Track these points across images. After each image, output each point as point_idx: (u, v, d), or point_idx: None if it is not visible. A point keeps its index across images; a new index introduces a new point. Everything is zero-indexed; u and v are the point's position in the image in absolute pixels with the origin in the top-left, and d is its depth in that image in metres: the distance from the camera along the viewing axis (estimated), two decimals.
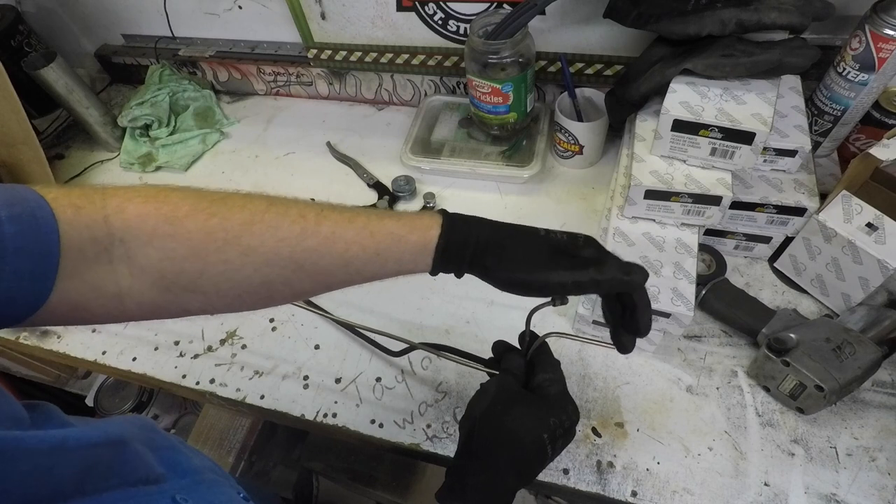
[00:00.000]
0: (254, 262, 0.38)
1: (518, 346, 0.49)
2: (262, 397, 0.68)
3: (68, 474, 0.28)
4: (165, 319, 0.42)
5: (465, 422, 0.44)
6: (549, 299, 0.46)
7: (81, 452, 0.30)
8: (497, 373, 0.48)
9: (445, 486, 0.42)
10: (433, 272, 0.42)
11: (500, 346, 0.50)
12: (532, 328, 0.49)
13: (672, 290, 0.59)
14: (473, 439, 0.42)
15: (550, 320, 0.70)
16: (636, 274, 0.40)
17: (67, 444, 0.29)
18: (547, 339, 0.48)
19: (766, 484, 0.56)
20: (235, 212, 0.39)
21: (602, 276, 0.39)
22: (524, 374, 0.47)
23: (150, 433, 0.39)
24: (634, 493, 0.56)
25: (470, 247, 0.41)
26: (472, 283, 0.80)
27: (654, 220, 0.65)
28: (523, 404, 0.43)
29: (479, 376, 0.66)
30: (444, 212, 0.42)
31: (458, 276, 0.43)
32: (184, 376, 0.71)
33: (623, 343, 0.44)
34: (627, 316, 0.42)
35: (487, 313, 0.72)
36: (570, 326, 0.69)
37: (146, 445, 0.36)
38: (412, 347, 0.60)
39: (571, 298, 0.46)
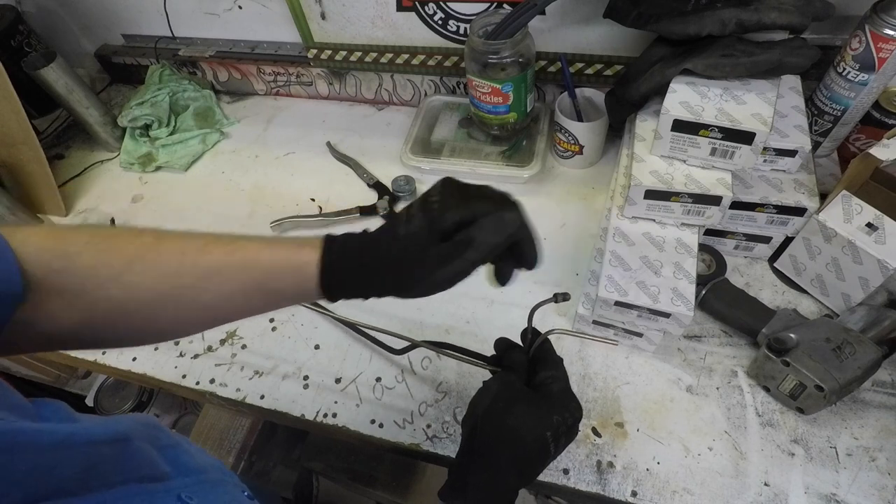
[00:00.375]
0: (136, 298, 0.39)
1: (521, 343, 0.49)
2: (262, 397, 0.68)
3: (70, 472, 0.28)
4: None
5: (467, 420, 0.44)
6: (551, 297, 0.46)
7: (85, 449, 0.29)
8: (499, 370, 0.48)
9: (448, 485, 0.42)
10: (332, 301, 0.42)
11: (503, 344, 0.50)
12: (533, 326, 0.49)
13: (672, 290, 0.59)
14: (476, 438, 0.42)
15: (551, 319, 0.70)
16: (498, 234, 0.38)
17: (72, 439, 0.29)
18: (549, 337, 0.48)
19: (766, 484, 0.56)
20: (122, 248, 0.39)
21: (479, 255, 0.38)
22: (527, 372, 0.47)
23: (154, 431, 0.39)
24: (634, 493, 0.56)
25: (347, 282, 0.41)
26: (471, 282, 0.80)
27: (654, 220, 0.65)
28: (526, 402, 0.43)
29: (480, 376, 0.66)
30: (327, 239, 0.42)
31: (364, 298, 0.42)
32: (184, 376, 0.71)
33: (503, 274, 0.42)
34: (515, 251, 0.40)
35: (487, 312, 0.72)
36: (571, 325, 0.69)
37: (150, 444, 0.36)
38: (414, 345, 0.60)
39: (573, 299, 0.46)
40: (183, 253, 0.40)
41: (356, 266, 0.40)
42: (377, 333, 0.68)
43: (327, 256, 0.41)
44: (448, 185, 0.41)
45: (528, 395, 0.44)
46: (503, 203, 0.39)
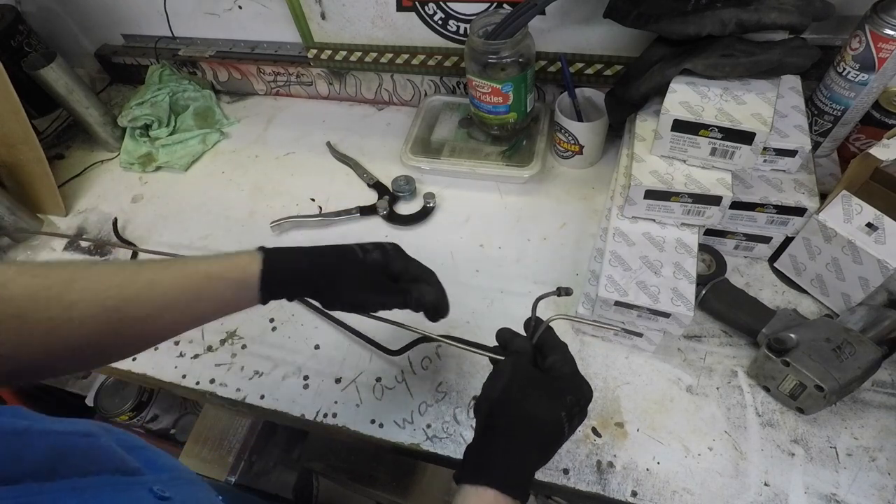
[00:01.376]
0: (78, 316, 0.40)
1: (523, 332, 0.50)
2: (262, 397, 0.68)
3: (39, 458, 0.28)
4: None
5: (481, 404, 0.45)
6: (554, 290, 0.49)
7: (49, 438, 0.30)
8: (504, 358, 0.48)
9: (466, 467, 0.42)
10: (263, 303, 0.47)
11: (506, 333, 0.51)
12: (536, 315, 0.50)
13: (672, 290, 0.59)
14: (493, 421, 0.43)
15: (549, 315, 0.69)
16: (437, 297, 0.50)
17: (33, 428, 0.29)
18: (551, 324, 0.48)
19: (766, 484, 0.56)
20: (57, 271, 0.41)
21: (409, 302, 0.49)
22: (533, 358, 0.48)
23: (120, 435, 0.40)
24: (634, 493, 0.56)
25: (295, 278, 0.47)
26: (471, 282, 0.80)
27: (654, 220, 0.65)
28: (539, 385, 0.44)
29: (480, 376, 0.66)
30: (263, 249, 0.47)
31: (290, 300, 0.49)
32: (184, 376, 0.71)
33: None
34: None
35: (488, 311, 0.72)
36: (571, 326, 0.69)
37: (118, 444, 0.36)
38: (423, 338, 0.59)
39: (573, 299, 0.47)
40: (122, 269, 0.43)
41: (297, 269, 0.47)
42: (390, 327, 0.66)
43: (269, 259, 0.46)
44: (396, 246, 0.52)
45: (540, 377, 0.45)
46: (426, 290, 0.50)
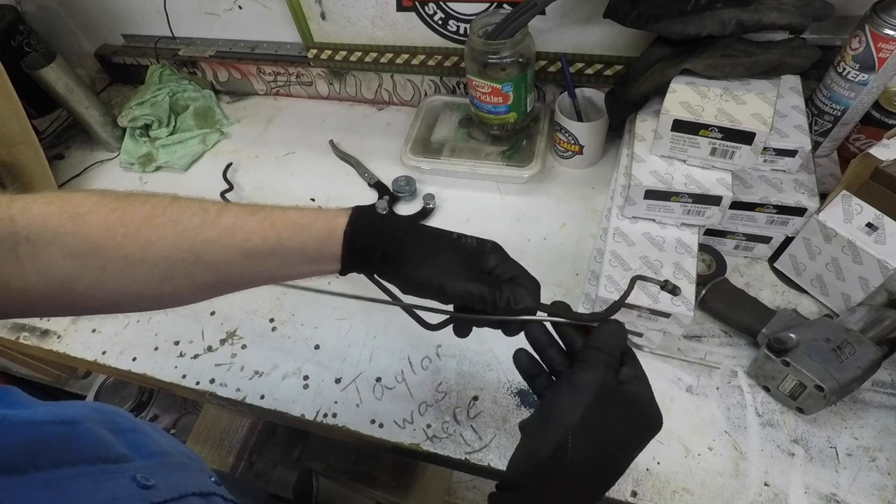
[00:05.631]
0: (154, 256, 0.38)
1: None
2: (262, 397, 0.68)
3: (11, 450, 0.28)
4: (82, 316, 0.41)
5: (547, 433, 0.35)
6: (661, 280, 0.42)
7: (23, 429, 0.29)
8: (595, 325, 0.40)
9: None
10: (343, 266, 0.42)
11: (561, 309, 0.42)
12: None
13: None
14: (565, 460, 0.34)
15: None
16: (532, 300, 0.40)
17: (8, 419, 0.29)
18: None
19: (766, 484, 0.56)
20: (136, 207, 0.39)
21: (498, 300, 0.40)
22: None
23: (111, 415, 0.38)
24: (634, 493, 0.56)
25: (382, 239, 0.41)
26: None
27: (654, 220, 0.65)
28: (623, 414, 0.35)
29: (479, 376, 0.66)
30: (354, 207, 0.43)
31: (370, 273, 0.43)
32: (184, 376, 0.71)
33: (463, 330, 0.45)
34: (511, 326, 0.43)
35: None
36: None
37: (107, 428, 0.35)
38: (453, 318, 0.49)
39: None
40: (205, 210, 0.40)
41: (385, 226, 0.42)
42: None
43: (358, 211, 0.41)
44: (496, 243, 0.44)
45: (622, 399, 0.36)
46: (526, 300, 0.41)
